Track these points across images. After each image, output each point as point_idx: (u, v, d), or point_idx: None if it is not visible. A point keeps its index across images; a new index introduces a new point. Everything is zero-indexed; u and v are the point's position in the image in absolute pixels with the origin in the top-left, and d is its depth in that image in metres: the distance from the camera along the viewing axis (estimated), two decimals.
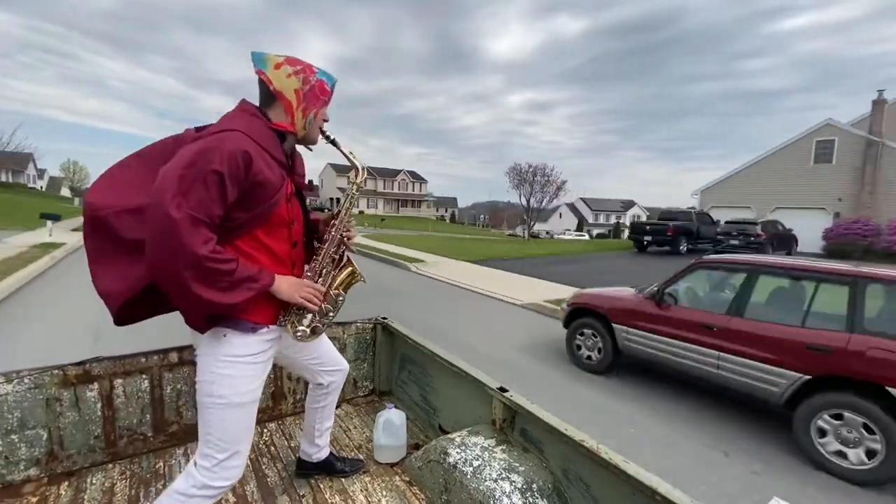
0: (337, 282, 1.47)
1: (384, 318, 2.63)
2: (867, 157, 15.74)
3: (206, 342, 1.26)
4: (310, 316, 1.40)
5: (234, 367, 1.25)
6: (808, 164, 17.39)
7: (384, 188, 57.92)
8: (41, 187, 52.01)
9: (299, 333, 1.38)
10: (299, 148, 1.45)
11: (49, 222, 12.20)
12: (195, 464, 1.27)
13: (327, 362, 1.68)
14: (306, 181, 1.49)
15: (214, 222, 1.15)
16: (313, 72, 1.30)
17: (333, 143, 1.42)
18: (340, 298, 1.48)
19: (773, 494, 2.52)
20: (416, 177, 61.90)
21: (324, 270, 1.44)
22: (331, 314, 1.46)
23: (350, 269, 1.50)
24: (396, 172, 60.82)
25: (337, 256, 1.47)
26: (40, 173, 54.53)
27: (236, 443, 1.28)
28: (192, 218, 1.08)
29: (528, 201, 31.54)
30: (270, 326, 1.33)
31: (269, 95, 1.28)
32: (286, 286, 1.29)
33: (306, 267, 1.46)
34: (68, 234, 13.50)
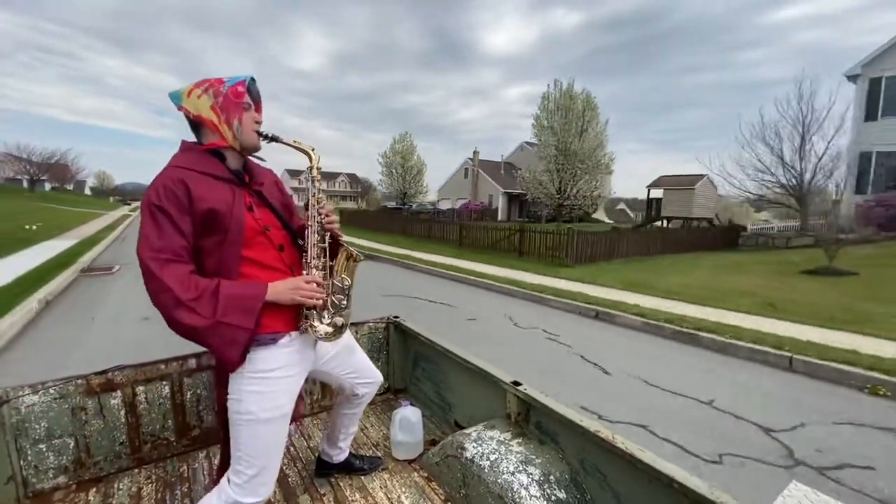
0: (337, 268, 1.42)
1: (396, 317, 2.63)
2: (472, 176, 36.54)
3: None
4: (324, 312, 1.36)
5: (260, 384, 1.25)
6: (461, 178, 37.99)
7: (328, 187, 77.84)
8: (71, 188, 70.87)
9: (320, 334, 1.34)
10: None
11: (128, 206, 43.24)
12: (228, 480, 1.29)
13: (363, 375, 1.67)
14: (273, 187, 1.46)
15: (181, 254, 1.16)
16: (222, 82, 1.27)
17: (275, 139, 1.33)
18: (347, 283, 1.43)
19: None
20: (353, 178, 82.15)
21: (317, 262, 1.38)
22: (344, 303, 1.42)
23: (344, 252, 1.43)
24: (337, 174, 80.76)
25: (325, 245, 1.40)
26: (71, 178, 73.20)
27: (265, 458, 1.28)
28: (156, 259, 1.12)
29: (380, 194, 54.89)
30: (292, 334, 1.32)
31: (194, 125, 1.31)
32: (279, 293, 1.26)
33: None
34: (131, 210, 32.54)
